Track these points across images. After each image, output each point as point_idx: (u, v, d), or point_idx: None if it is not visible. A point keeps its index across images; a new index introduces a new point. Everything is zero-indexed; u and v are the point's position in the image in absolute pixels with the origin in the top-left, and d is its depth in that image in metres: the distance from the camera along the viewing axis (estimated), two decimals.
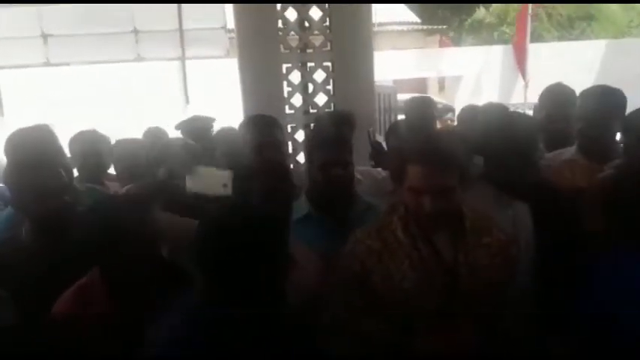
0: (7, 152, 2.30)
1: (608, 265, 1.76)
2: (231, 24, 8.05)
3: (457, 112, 3.34)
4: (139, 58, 8.71)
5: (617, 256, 1.76)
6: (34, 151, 1.99)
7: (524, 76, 8.75)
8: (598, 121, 2.41)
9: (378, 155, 3.00)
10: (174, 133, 3.38)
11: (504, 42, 11.98)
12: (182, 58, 8.56)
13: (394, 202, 1.80)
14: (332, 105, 3.62)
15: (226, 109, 4.80)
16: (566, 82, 2.88)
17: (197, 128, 3.27)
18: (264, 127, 2.64)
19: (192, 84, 8.37)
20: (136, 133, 3.76)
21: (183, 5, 8.41)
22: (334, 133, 2.41)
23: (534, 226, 2.02)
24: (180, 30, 8.59)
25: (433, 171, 1.59)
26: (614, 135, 2.45)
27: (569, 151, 2.55)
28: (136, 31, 8.61)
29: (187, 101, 8.22)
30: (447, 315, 1.64)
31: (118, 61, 8.43)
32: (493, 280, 1.69)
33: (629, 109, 2.44)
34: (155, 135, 3.32)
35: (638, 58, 8.75)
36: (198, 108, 5.04)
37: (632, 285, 1.67)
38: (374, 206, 2.18)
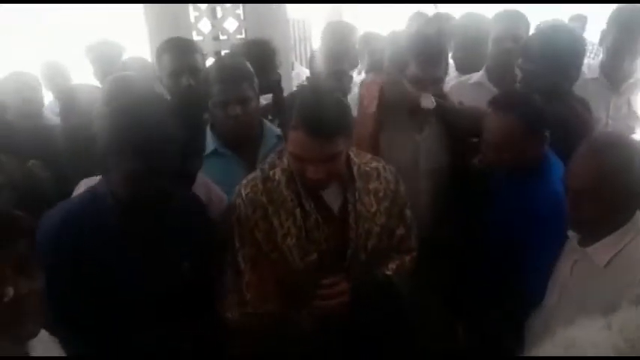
0: None
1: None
2: None
3: None
4: None
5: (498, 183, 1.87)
6: None
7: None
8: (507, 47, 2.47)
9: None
10: None
11: None
12: None
13: (281, 149, 1.62)
14: (243, 31, 3.44)
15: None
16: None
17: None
18: (184, 51, 2.37)
19: None
20: None
21: None
22: (233, 67, 2.08)
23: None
24: None
25: (317, 142, 1.40)
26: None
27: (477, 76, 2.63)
28: None
29: None
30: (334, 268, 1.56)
31: None
32: (382, 225, 1.62)
33: None
34: None
35: None
36: None
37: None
38: None
